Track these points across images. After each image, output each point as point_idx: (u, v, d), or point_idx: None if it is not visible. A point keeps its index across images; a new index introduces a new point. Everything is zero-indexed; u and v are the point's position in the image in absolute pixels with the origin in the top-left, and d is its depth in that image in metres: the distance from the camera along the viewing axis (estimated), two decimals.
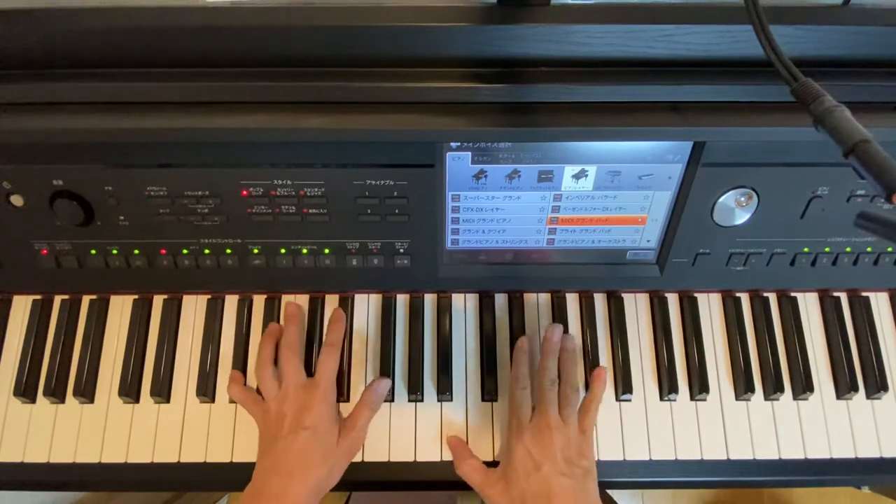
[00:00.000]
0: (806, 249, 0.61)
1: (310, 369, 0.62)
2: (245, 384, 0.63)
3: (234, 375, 0.63)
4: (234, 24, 0.48)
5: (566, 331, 0.65)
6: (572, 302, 0.67)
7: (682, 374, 0.64)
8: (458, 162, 0.55)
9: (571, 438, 0.56)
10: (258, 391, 0.61)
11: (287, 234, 0.59)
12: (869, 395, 0.64)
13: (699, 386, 0.63)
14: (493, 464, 0.59)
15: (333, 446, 0.57)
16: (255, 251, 0.60)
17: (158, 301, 0.66)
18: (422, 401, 0.63)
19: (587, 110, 0.50)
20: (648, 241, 0.62)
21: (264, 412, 0.59)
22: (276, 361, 0.62)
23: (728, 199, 0.56)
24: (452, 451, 0.61)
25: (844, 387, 0.63)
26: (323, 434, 0.57)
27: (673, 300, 0.67)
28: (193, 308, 0.66)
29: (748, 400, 0.63)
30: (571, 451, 0.55)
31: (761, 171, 0.54)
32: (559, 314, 0.66)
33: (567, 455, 0.55)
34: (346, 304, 0.66)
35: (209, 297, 0.66)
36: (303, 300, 0.66)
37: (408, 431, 0.62)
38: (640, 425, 0.62)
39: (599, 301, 0.67)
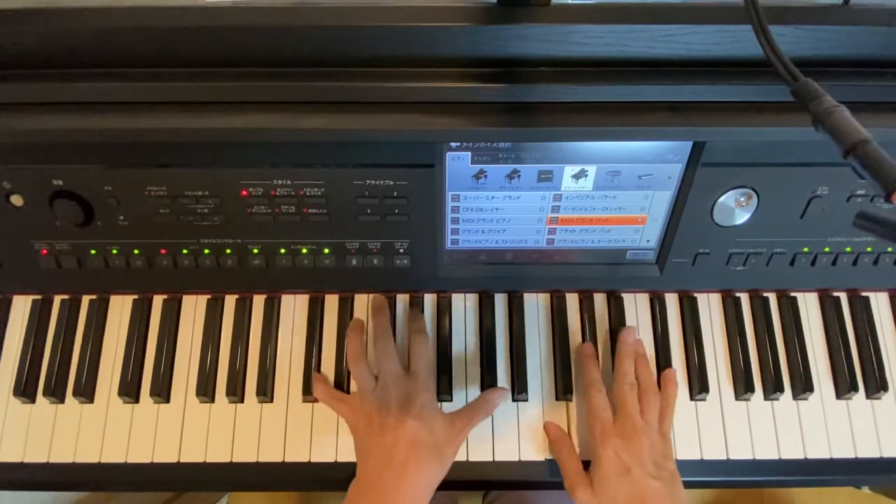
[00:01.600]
0: (806, 249, 0.61)
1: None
2: (327, 384, 0.62)
3: (318, 377, 0.62)
4: (234, 24, 0.48)
5: (566, 332, 0.65)
6: (572, 302, 0.67)
7: (682, 374, 0.64)
8: (457, 162, 0.55)
9: (656, 442, 0.57)
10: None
11: (287, 234, 0.59)
12: (869, 395, 0.64)
13: (699, 386, 0.63)
14: (492, 464, 0.59)
15: (444, 439, 0.56)
16: (255, 251, 0.60)
17: (158, 301, 0.66)
18: None
19: (587, 110, 0.50)
20: (648, 241, 0.62)
21: (361, 406, 0.57)
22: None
23: (728, 199, 0.56)
24: (552, 435, 0.60)
25: (844, 387, 0.63)
26: (430, 422, 0.55)
27: (673, 300, 0.67)
28: (193, 308, 0.66)
29: (748, 400, 0.63)
30: (657, 454, 0.56)
31: (761, 171, 0.54)
32: (559, 314, 0.66)
33: (654, 458, 0.55)
34: (346, 304, 0.66)
35: (209, 297, 0.66)
36: (303, 300, 0.66)
37: None
38: None
39: (599, 301, 0.67)
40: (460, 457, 0.60)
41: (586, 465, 0.58)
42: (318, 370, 0.63)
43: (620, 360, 0.62)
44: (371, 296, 0.65)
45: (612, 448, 0.56)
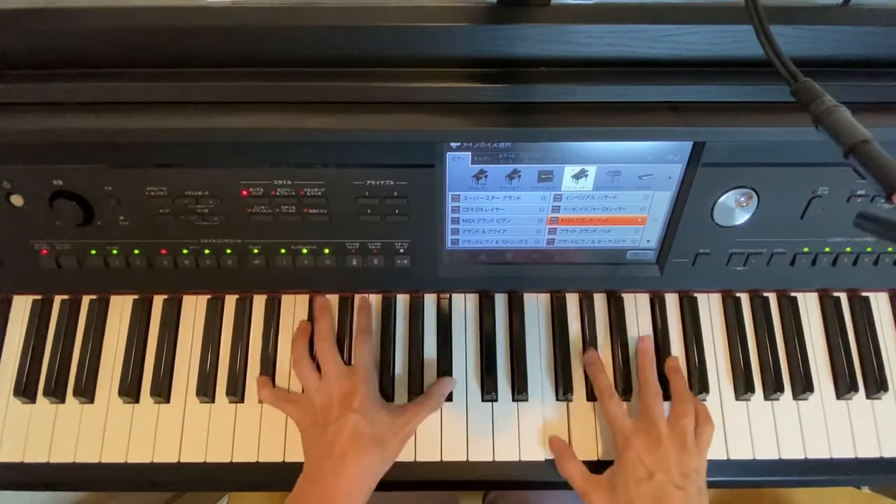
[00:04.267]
0: (806, 249, 0.61)
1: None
2: (271, 386, 0.63)
3: (260, 381, 0.63)
4: (235, 24, 0.48)
5: (566, 332, 0.65)
6: (572, 302, 0.67)
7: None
8: (458, 162, 0.55)
9: (689, 450, 0.55)
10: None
11: (287, 234, 0.59)
12: (869, 395, 0.64)
13: (699, 386, 0.63)
14: (492, 464, 0.59)
15: (386, 431, 0.57)
16: (255, 251, 0.60)
17: (158, 301, 0.66)
18: None
19: (587, 110, 0.50)
20: (648, 241, 0.62)
21: (306, 405, 0.59)
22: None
23: (728, 199, 0.56)
24: (556, 451, 0.60)
25: (844, 387, 0.63)
26: (373, 416, 0.56)
27: (673, 300, 0.67)
28: (193, 308, 0.66)
29: (748, 400, 0.63)
30: (688, 465, 0.54)
31: (761, 171, 0.54)
32: (559, 314, 0.66)
33: (683, 469, 0.54)
34: (346, 304, 0.66)
35: (209, 297, 0.66)
36: (303, 300, 0.66)
37: None
38: None
39: (599, 301, 0.67)
40: (460, 457, 0.61)
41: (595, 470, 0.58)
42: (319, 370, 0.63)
43: (643, 368, 0.62)
44: (316, 298, 0.65)
45: (636, 452, 0.55)
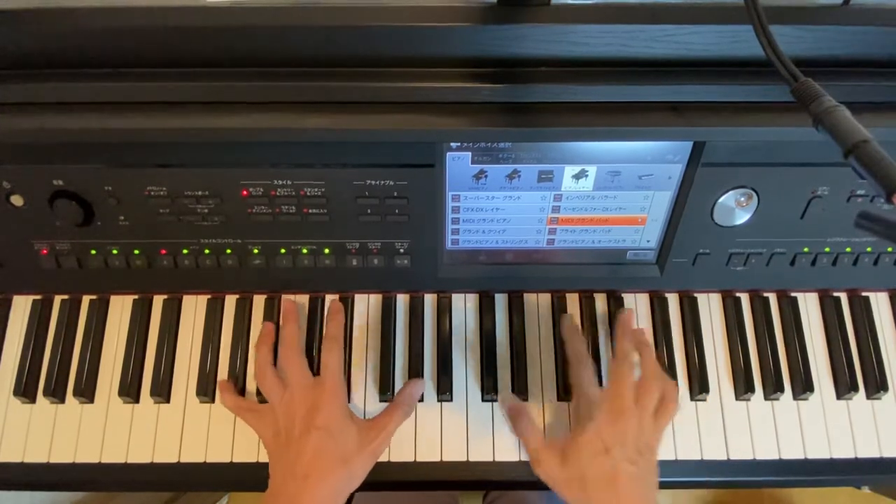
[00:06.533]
0: (806, 249, 0.61)
1: (313, 371, 0.62)
2: (236, 392, 0.62)
3: (223, 385, 0.61)
4: (234, 24, 0.48)
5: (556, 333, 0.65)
6: (572, 302, 0.67)
7: (683, 374, 0.64)
8: (458, 162, 0.55)
9: (646, 429, 0.54)
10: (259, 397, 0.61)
11: (287, 234, 0.59)
12: (869, 395, 0.64)
13: (699, 386, 0.63)
14: (492, 464, 0.59)
15: (352, 446, 0.55)
16: (255, 251, 0.60)
17: (158, 301, 0.66)
18: (422, 401, 0.63)
19: (587, 110, 0.50)
20: (648, 241, 0.62)
21: (268, 418, 0.57)
22: (275, 363, 0.60)
23: (728, 199, 0.56)
24: (511, 411, 0.60)
25: (844, 387, 0.63)
26: (338, 433, 0.54)
27: (673, 300, 0.67)
28: (193, 308, 0.66)
29: (748, 400, 0.63)
30: (644, 442, 0.54)
31: (761, 171, 0.54)
32: (559, 314, 0.66)
33: (638, 445, 0.53)
34: (346, 304, 0.66)
35: (209, 297, 0.66)
36: (303, 300, 0.66)
37: (408, 432, 0.62)
38: None
39: (599, 301, 0.67)
40: (460, 457, 0.60)
41: None
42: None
43: (619, 340, 0.60)
44: (283, 300, 0.64)
45: (595, 425, 0.54)
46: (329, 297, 0.66)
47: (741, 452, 0.61)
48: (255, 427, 0.58)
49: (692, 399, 0.63)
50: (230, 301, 0.66)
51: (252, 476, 0.60)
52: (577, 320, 0.66)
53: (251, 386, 0.63)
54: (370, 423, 0.58)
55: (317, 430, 0.53)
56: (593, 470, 0.52)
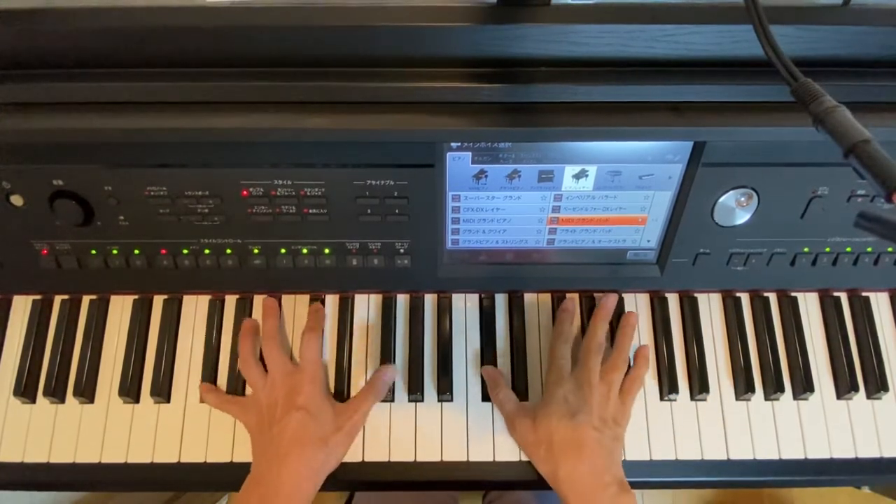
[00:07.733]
0: (806, 249, 0.61)
1: None
2: (216, 390, 0.63)
3: (204, 386, 0.63)
4: (234, 24, 0.48)
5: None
6: (572, 302, 0.67)
7: (683, 374, 0.64)
8: (458, 162, 0.55)
9: (611, 401, 0.58)
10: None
11: (287, 234, 0.59)
12: (869, 395, 0.64)
13: (699, 386, 0.63)
14: (492, 464, 0.59)
15: (330, 427, 0.58)
16: (256, 251, 0.60)
17: (158, 301, 0.66)
18: (422, 401, 0.63)
19: (587, 110, 0.50)
20: (649, 241, 0.62)
21: (252, 406, 0.60)
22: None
23: (728, 199, 0.56)
24: (488, 379, 0.62)
25: (844, 387, 0.63)
26: (317, 414, 0.57)
27: (673, 300, 0.67)
28: (193, 308, 0.66)
29: (748, 400, 0.63)
30: (608, 412, 0.58)
31: (761, 171, 0.54)
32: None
33: (603, 415, 0.57)
34: (346, 304, 0.66)
35: (209, 297, 0.66)
36: (303, 300, 0.66)
37: (408, 432, 0.62)
38: (641, 425, 0.62)
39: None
40: (460, 457, 0.60)
41: None
42: None
43: (594, 320, 0.64)
44: (264, 299, 0.65)
45: (563, 391, 0.58)
46: (329, 298, 0.66)
47: (741, 452, 0.61)
48: (239, 417, 0.61)
49: (692, 399, 0.63)
50: (230, 301, 0.66)
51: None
52: (578, 320, 0.66)
53: (251, 388, 0.63)
54: (345, 405, 0.61)
55: (297, 410, 0.57)
56: (559, 434, 0.55)
